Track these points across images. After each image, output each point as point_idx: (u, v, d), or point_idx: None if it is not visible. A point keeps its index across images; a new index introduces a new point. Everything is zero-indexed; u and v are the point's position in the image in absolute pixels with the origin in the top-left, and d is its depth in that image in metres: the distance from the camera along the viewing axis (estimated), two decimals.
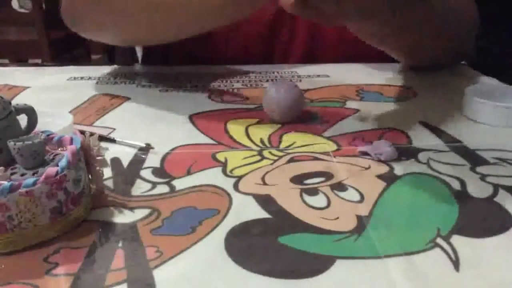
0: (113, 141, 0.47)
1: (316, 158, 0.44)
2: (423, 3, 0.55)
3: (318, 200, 0.37)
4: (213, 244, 0.32)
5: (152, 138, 0.47)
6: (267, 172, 0.41)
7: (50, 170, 0.31)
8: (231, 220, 0.34)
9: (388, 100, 0.61)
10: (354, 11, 0.46)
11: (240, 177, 0.40)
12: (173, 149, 0.46)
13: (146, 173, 0.41)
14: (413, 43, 0.62)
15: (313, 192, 0.38)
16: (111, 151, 0.45)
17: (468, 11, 0.68)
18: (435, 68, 0.70)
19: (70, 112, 0.55)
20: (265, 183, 0.40)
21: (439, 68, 0.71)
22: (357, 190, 0.38)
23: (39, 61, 1.97)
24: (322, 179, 0.40)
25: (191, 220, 0.34)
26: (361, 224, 0.34)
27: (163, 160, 0.44)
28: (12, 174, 0.33)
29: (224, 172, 0.42)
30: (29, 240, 0.31)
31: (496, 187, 0.39)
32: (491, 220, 0.35)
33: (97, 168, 0.36)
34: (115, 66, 0.78)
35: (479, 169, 0.42)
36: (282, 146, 0.47)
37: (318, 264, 0.30)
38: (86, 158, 0.36)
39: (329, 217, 0.35)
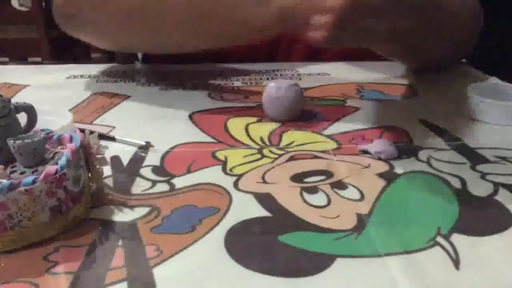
0: (113, 139, 0.47)
1: (316, 157, 0.44)
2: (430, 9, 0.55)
3: (318, 199, 0.37)
4: (213, 242, 0.32)
5: (152, 136, 0.47)
6: (267, 171, 0.41)
7: (50, 168, 0.31)
8: (231, 219, 0.34)
9: (388, 98, 0.61)
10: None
11: (240, 176, 0.40)
12: (173, 148, 0.46)
13: (146, 172, 0.41)
14: (418, 46, 0.62)
15: (313, 190, 0.38)
16: (111, 150, 0.44)
17: (473, 12, 0.67)
18: (438, 69, 0.70)
19: (70, 110, 0.55)
20: (265, 182, 0.40)
21: (442, 69, 0.71)
22: (357, 188, 0.38)
23: (39, 59, 1.96)
24: (322, 177, 0.40)
25: (191, 219, 0.34)
26: (361, 222, 0.34)
27: (163, 158, 0.44)
28: (11, 172, 0.33)
29: (224, 170, 0.42)
30: (29, 238, 0.31)
31: (497, 185, 0.39)
32: (492, 219, 0.35)
33: (97, 166, 0.36)
34: (115, 64, 0.78)
35: (479, 167, 0.42)
36: (282, 144, 0.47)
37: (318, 263, 0.30)
38: (86, 156, 0.36)
39: (329, 215, 0.35)
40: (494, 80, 0.65)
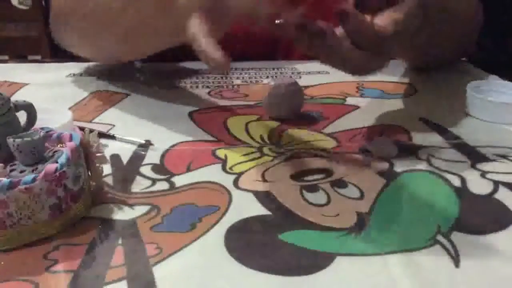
0: (112, 137, 0.47)
1: (316, 155, 0.44)
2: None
3: (318, 197, 0.37)
4: (213, 241, 0.32)
5: (151, 134, 0.47)
6: (267, 169, 0.41)
7: (50, 166, 0.31)
8: (231, 217, 0.34)
9: (388, 96, 0.61)
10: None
11: (240, 174, 0.40)
12: (173, 146, 0.46)
13: (145, 170, 0.41)
14: (423, 45, 0.61)
15: (313, 189, 0.38)
16: (110, 148, 0.45)
17: (473, 9, 0.67)
18: (438, 67, 0.70)
19: (70, 108, 0.55)
20: (265, 180, 0.40)
21: (442, 67, 0.71)
22: (357, 187, 0.38)
23: (39, 57, 1.96)
24: (322, 175, 0.40)
25: (191, 217, 0.34)
26: (361, 221, 0.34)
27: (162, 156, 0.44)
28: (11, 170, 0.32)
29: (224, 168, 0.41)
30: (28, 237, 0.31)
31: (497, 183, 0.39)
32: (491, 217, 0.35)
33: (97, 164, 0.36)
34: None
35: (479, 165, 0.42)
36: (282, 143, 0.47)
37: (318, 261, 0.30)
38: (86, 154, 0.36)
39: (329, 213, 0.35)
40: (494, 78, 0.65)
